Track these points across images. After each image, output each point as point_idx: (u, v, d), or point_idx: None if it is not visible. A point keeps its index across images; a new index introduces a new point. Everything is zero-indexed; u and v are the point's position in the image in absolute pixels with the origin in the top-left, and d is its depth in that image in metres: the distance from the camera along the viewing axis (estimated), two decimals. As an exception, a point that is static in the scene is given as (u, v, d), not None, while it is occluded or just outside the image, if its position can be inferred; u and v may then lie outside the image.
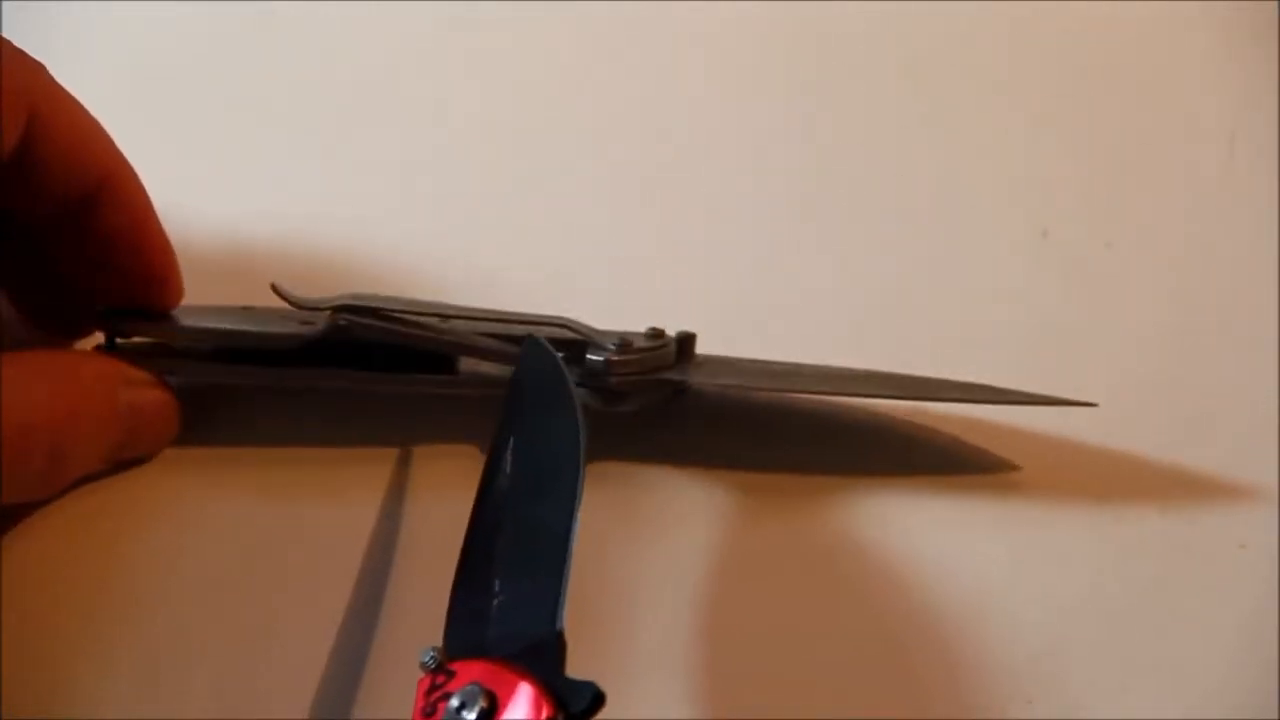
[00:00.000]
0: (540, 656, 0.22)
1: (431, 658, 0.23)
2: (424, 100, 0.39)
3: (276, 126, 0.38)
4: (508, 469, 0.26)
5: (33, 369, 0.26)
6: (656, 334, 0.31)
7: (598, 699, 0.21)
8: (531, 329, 0.30)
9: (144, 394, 0.28)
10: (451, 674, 0.23)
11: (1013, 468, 0.31)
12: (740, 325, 0.33)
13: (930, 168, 0.38)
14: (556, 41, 0.41)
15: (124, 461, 0.29)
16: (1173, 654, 0.28)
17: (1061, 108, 0.40)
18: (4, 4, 0.39)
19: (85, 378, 0.27)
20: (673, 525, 0.30)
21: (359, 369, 0.30)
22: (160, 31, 0.41)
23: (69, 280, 0.29)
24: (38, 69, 0.26)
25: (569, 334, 0.30)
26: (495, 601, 0.24)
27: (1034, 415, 0.32)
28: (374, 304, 0.29)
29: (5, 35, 0.26)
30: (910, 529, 0.30)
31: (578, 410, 0.26)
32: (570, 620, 0.23)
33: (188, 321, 0.29)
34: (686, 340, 0.31)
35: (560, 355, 0.28)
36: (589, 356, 0.30)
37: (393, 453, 0.30)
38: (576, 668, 0.22)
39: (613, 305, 0.31)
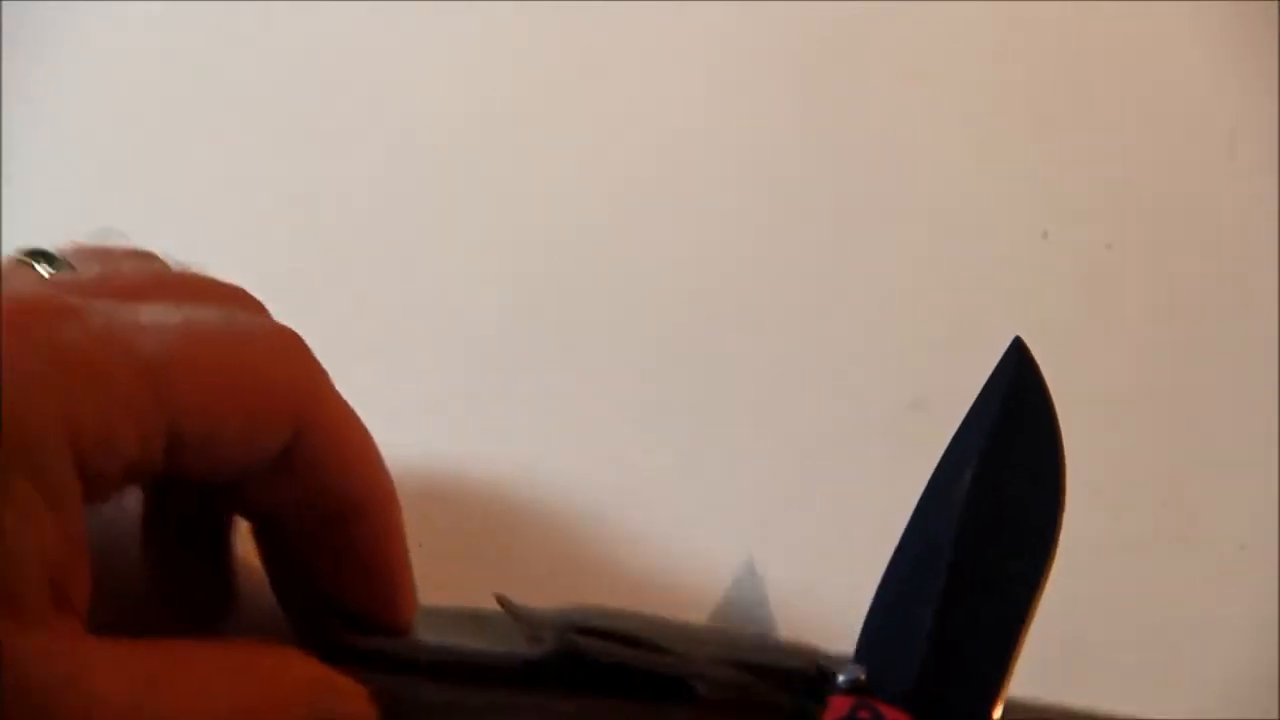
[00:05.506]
0: None
1: (851, 681, 0.21)
2: (424, 98, 0.39)
3: (275, 124, 0.38)
4: (964, 494, 0.23)
5: (237, 663, 0.24)
6: None
7: None
8: (775, 657, 0.26)
9: (346, 706, 0.26)
10: (878, 716, 0.21)
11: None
12: (740, 322, 0.33)
13: (930, 168, 0.38)
14: (555, 43, 0.41)
15: None
16: (1173, 654, 0.28)
17: (1061, 108, 0.40)
18: (4, 4, 0.39)
19: (287, 681, 0.25)
20: None
21: (585, 689, 0.27)
22: (160, 31, 0.41)
23: (310, 582, 0.27)
24: (317, 375, 0.24)
25: (810, 666, 0.26)
26: (927, 641, 0.22)
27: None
28: (604, 623, 0.26)
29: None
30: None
31: (1062, 466, 0.23)
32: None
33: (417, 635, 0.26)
34: None
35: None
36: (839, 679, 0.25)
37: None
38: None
39: (608, 315, 0.31)
